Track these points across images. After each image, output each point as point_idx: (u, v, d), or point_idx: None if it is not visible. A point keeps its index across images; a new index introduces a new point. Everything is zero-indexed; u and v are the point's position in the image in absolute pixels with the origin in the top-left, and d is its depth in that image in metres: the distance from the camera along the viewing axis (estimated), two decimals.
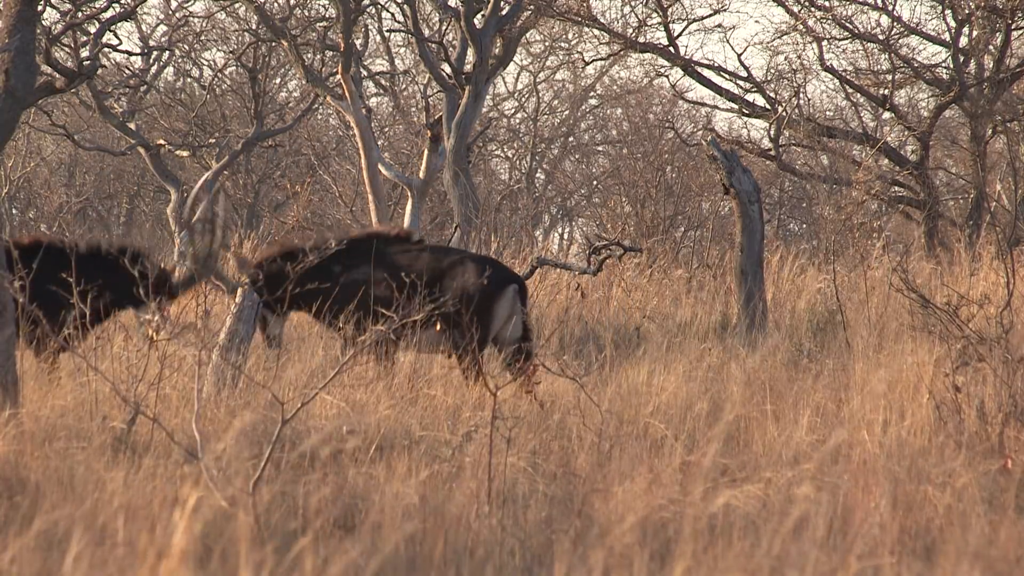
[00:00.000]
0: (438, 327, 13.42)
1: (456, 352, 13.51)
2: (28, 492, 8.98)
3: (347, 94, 25.54)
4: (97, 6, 24.84)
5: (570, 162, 40.39)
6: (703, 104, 31.36)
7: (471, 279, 13.54)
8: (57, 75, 18.48)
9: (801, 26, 26.77)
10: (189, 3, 31.24)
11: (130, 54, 31.10)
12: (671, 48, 27.00)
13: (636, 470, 9.70)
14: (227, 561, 7.72)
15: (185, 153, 31.39)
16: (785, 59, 27.36)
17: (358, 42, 27.80)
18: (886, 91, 26.77)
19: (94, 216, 37.15)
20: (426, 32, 29.11)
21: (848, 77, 27.15)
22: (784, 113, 26.44)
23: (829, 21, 26.64)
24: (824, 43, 26.78)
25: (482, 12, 24.73)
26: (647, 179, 28.15)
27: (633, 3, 27.05)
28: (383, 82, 35.03)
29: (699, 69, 27.04)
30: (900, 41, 26.96)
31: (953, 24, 26.50)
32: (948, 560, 8.30)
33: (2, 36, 11.47)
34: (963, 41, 26.49)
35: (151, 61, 31.75)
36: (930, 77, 26.80)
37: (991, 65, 26.45)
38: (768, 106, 26.86)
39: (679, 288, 20.21)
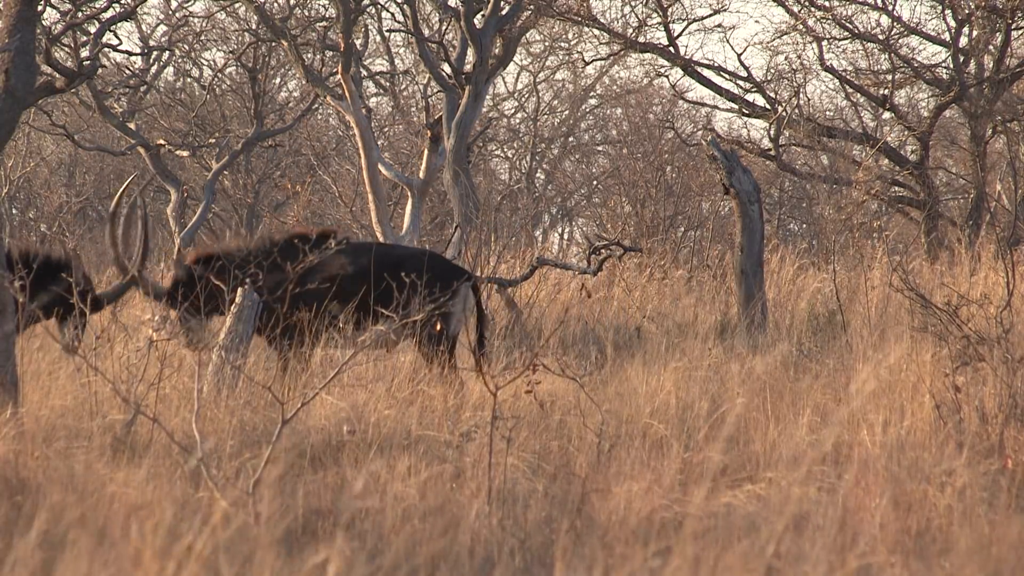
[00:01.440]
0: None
1: (421, 350, 13.52)
2: (28, 492, 8.98)
3: (347, 94, 25.54)
4: (97, 6, 24.84)
5: (570, 162, 40.39)
6: (703, 104, 31.37)
7: (428, 275, 13.55)
8: (57, 75, 18.46)
9: (801, 26, 26.77)
10: (189, 3, 31.24)
11: (130, 54, 31.10)
12: (671, 48, 27.00)
13: (636, 470, 9.71)
14: (228, 561, 7.72)
15: (185, 153, 31.40)
16: (785, 59, 27.37)
17: (358, 42, 27.80)
18: (886, 91, 26.77)
19: (94, 216, 37.14)
20: (426, 32, 29.11)
21: (848, 77, 27.15)
22: (784, 113, 26.44)
23: (829, 21, 26.64)
24: (824, 43, 26.79)
25: (482, 12, 24.73)
26: (647, 179, 28.15)
27: (633, 3, 27.05)
28: (383, 82, 35.03)
29: (699, 69, 27.04)
30: (900, 41, 26.97)
31: (953, 24, 26.50)
32: (948, 560, 8.30)
33: (2, 36, 11.47)
34: (963, 41, 26.49)
35: (151, 61, 31.74)
36: (930, 77, 26.80)
37: (991, 65, 26.45)
38: (768, 106, 26.87)
39: (679, 288, 20.21)
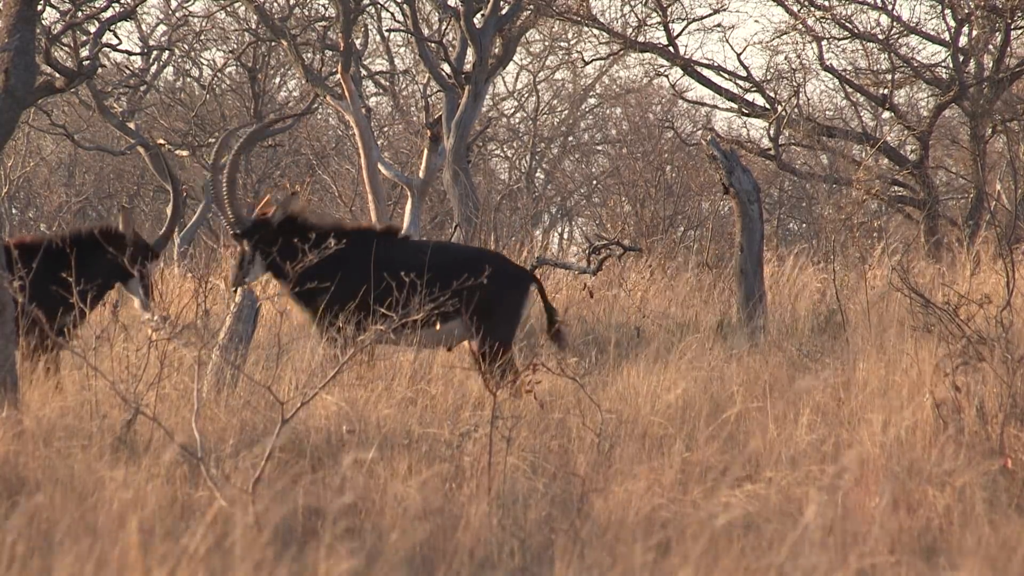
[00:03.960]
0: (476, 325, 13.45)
1: (481, 350, 13.48)
2: (28, 492, 8.98)
3: (347, 94, 25.54)
4: (97, 6, 24.84)
5: (570, 162, 40.40)
6: (703, 104, 31.38)
7: (497, 276, 13.56)
8: (57, 75, 18.48)
9: (801, 26, 26.77)
10: (189, 3, 31.25)
11: (130, 54, 31.12)
12: (671, 48, 27.00)
13: (636, 470, 9.71)
14: (228, 561, 7.72)
15: (185, 153, 31.40)
16: (785, 59, 27.38)
17: (358, 42, 27.80)
18: (886, 91, 26.77)
19: (94, 216, 37.14)
20: (426, 32, 29.10)
21: (848, 77, 27.16)
22: (784, 113, 26.44)
23: (829, 21, 26.64)
24: (824, 43, 26.79)
25: (482, 12, 24.73)
26: (647, 179, 28.16)
27: (633, 3, 27.06)
28: (383, 82, 35.04)
29: (699, 69, 27.05)
30: (900, 41, 26.97)
31: (953, 24, 26.51)
32: (948, 560, 8.30)
33: (2, 36, 11.47)
34: (963, 41, 26.50)
35: (151, 61, 31.75)
36: (930, 77, 26.80)
37: (991, 65, 26.46)
38: (768, 106, 26.87)
39: (679, 288, 20.21)
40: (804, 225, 34.29)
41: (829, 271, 19.62)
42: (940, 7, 26.74)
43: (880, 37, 26.67)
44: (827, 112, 32.96)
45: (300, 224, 13.71)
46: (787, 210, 34.04)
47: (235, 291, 13.29)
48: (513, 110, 40.11)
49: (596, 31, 27.32)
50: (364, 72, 30.86)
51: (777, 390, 12.33)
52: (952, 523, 8.94)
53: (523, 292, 13.75)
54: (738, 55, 27.33)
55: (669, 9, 27.01)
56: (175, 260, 26.95)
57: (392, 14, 37.00)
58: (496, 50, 24.87)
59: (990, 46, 26.45)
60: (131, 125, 29.89)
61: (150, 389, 11.07)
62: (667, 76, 34.97)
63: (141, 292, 13.00)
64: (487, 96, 29.73)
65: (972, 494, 9.23)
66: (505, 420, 10.04)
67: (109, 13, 24.68)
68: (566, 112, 40.13)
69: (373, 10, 30.25)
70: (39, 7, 19.43)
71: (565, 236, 38.97)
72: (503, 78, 39.51)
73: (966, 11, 26.29)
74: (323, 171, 33.59)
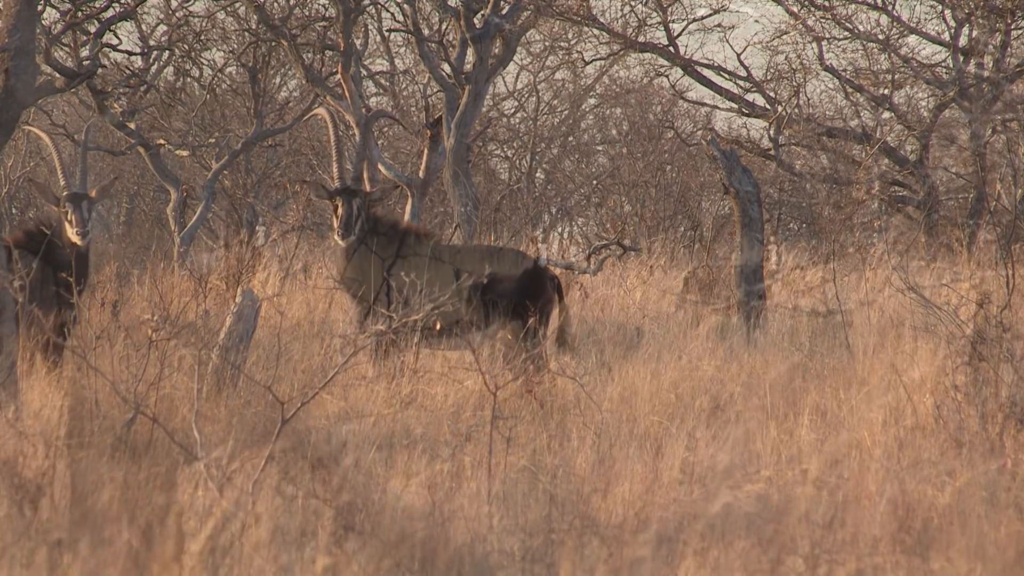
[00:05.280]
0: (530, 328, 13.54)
1: (518, 345, 13.51)
2: (28, 492, 8.97)
3: (347, 94, 25.55)
4: (97, 6, 24.83)
5: (570, 162, 40.37)
6: (703, 104, 31.36)
7: (532, 273, 13.62)
8: (57, 75, 18.49)
9: (801, 26, 26.77)
10: (189, 3, 31.23)
11: (130, 54, 31.08)
12: (671, 48, 27.00)
13: (636, 470, 9.71)
14: (227, 561, 7.72)
15: (185, 153, 31.39)
16: (785, 59, 27.38)
17: (358, 42, 27.80)
18: (886, 91, 26.78)
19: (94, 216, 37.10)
20: (426, 32, 29.10)
21: (848, 77, 27.16)
22: (784, 113, 26.44)
23: (829, 21, 26.65)
24: (824, 43, 26.80)
25: (482, 12, 24.72)
26: (647, 179, 28.16)
27: (633, 3, 27.05)
28: (383, 82, 35.03)
29: (699, 69, 27.04)
30: (900, 41, 26.98)
31: (953, 24, 26.51)
32: (948, 559, 8.30)
33: (2, 36, 11.47)
34: (963, 41, 26.50)
35: (151, 61, 31.73)
36: (930, 77, 26.80)
37: (991, 65, 26.46)
38: (768, 106, 26.87)
39: (679, 287, 20.20)
40: (804, 225, 34.27)
41: (829, 271, 19.62)
42: (940, 7, 26.75)
43: (880, 37, 26.67)
44: (827, 112, 32.95)
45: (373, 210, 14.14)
46: (787, 210, 34.03)
47: (345, 240, 13.54)
48: (513, 110, 40.10)
49: (596, 31, 27.33)
50: (364, 72, 30.86)
51: (777, 390, 12.33)
52: (952, 523, 8.94)
53: (547, 288, 13.80)
54: (738, 55, 27.34)
55: (669, 9, 27.01)
56: (175, 260, 26.93)
57: (392, 14, 36.96)
58: (496, 50, 24.87)
59: (990, 46, 26.46)
60: (131, 125, 29.89)
61: (150, 389, 11.06)
62: (667, 76, 34.94)
63: (72, 221, 13.22)
64: (487, 96, 29.73)
65: (972, 494, 9.23)
66: (505, 420, 10.04)
67: (109, 13, 24.67)
68: (566, 112, 40.11)
69: (373, 10, 30.25)
70: (39, 7, 19.44)
71: (565, 236, 38.95)
72: (503, 78, 39.50)
73: (966, 11, 26.30)
74: (323, 171, 33.57)
